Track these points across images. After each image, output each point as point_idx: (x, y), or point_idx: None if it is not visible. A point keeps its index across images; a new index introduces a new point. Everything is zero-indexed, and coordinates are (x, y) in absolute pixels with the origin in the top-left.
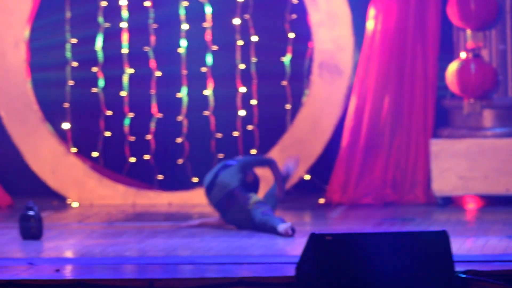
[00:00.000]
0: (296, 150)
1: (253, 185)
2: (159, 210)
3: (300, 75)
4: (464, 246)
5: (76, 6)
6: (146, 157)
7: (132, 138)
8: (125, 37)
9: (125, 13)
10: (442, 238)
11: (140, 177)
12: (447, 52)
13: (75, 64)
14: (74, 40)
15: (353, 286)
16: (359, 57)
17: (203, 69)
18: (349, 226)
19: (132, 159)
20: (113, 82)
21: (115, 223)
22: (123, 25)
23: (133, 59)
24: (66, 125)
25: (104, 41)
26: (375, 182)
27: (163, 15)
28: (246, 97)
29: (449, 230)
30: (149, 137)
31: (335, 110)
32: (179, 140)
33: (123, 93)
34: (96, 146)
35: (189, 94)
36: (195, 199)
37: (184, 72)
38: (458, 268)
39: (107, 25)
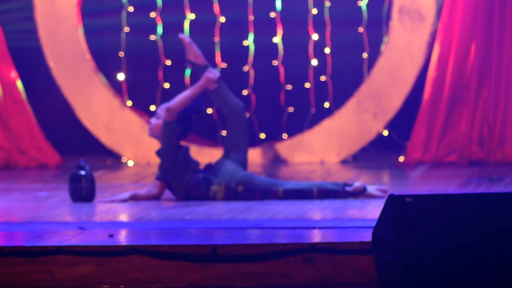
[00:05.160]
0: (374, 103)
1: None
2: None
3: (379, 21)
4: None
5: None
6: (209, 111)
7: None
8: None
9: None
10: None
11: (202, 134)
12: None
13: (131, 8)
14: None
15: (436, 251)
16: (443, 1)
17: (272, 14)
18: (431, 186)
19: None
20: (173, 28)
21: None
22: None
23: (195, 3)
24: (121, 76)
25: None
26: (460, 139)
27: None
28: (319, 45)
29: None
30: None
31: (416, 60)
32: (245, 92)
33: None
34: (154, 99)
35: (256, 42)
36: (263, 157)
37: (251, 17)
38: None
39: None
